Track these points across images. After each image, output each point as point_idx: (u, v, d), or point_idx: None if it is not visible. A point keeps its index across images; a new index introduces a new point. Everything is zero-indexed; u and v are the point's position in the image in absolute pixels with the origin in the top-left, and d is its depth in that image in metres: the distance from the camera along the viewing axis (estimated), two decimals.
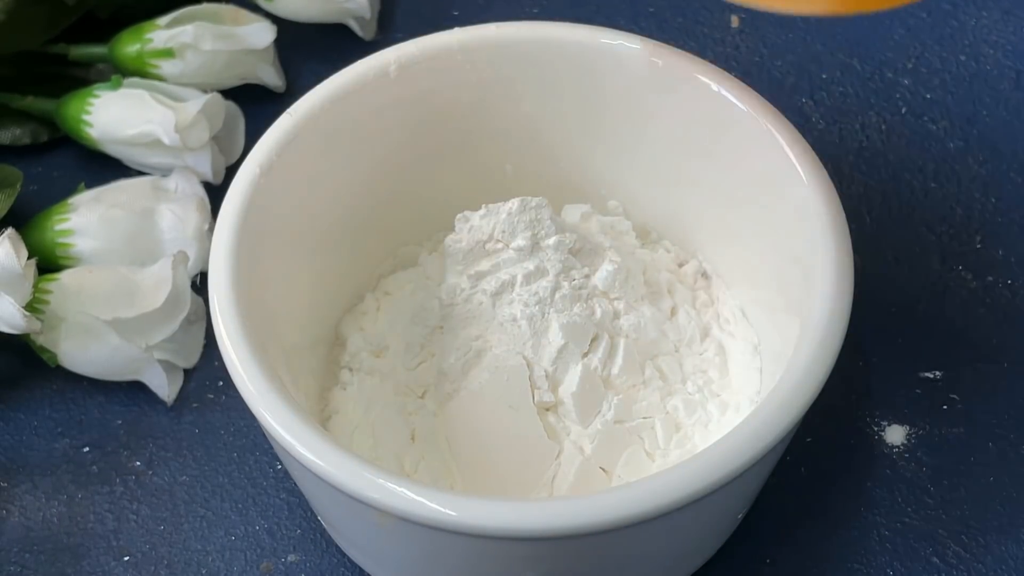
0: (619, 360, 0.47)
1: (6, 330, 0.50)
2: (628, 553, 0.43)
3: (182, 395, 0.53)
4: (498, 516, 0.40)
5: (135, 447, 0.52)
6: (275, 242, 0.47)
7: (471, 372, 0.47)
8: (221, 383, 0.53)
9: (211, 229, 0.50)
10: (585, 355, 0.47)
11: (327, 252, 0.50)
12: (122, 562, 0.49)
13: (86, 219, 0.53)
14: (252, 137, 0.52)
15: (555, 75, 0.50)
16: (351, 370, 0.49)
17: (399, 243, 0.52)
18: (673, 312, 0.49)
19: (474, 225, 0.48)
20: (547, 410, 0.46)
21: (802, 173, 0.46)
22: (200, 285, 0.53)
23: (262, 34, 0.57)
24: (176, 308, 0.51)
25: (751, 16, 0.62)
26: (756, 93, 0.48)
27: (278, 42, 0.58)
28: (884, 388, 0.52)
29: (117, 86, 0.56)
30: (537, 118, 0.51)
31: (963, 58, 0.60)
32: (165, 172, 0.56)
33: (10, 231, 0.50)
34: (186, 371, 0.53)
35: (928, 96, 0.59)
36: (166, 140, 0.54)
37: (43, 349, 0.51)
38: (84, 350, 0.51)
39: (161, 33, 0.57)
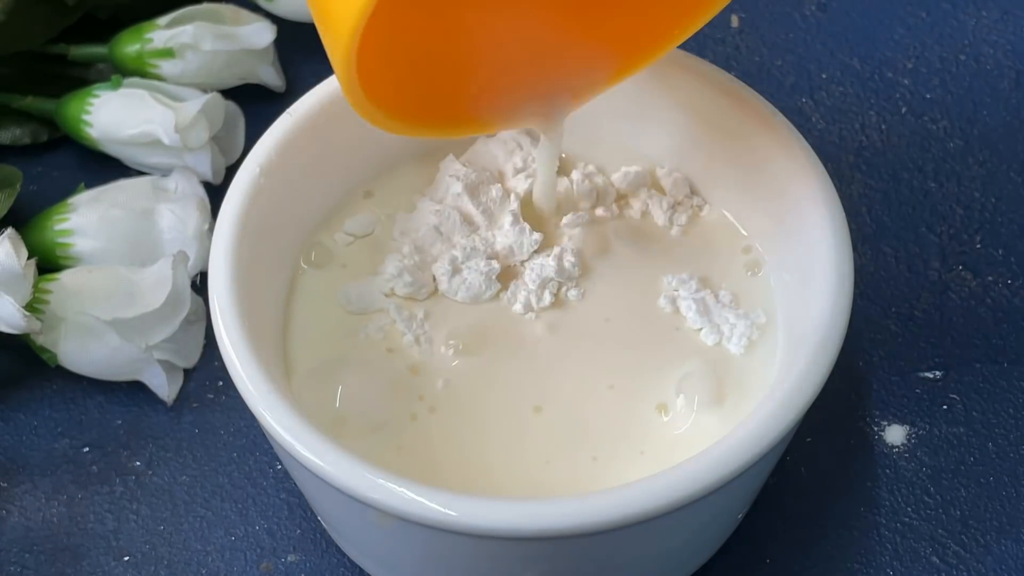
0: None
1: (6, 330, 0.50)
2: (628, 553, 0.43)
3: (182, 395, 0.53)
4: (498, 516, 0.40)
5: (135, 447, 0.52)
6: (275, 242, 0.47)
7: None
8: (221, 383, 0.53)
9: (211, 229, 0.50)
10: None
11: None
12: (122, 562, 0.49)
13: (86, 219, 0.53)
14: (252, 137, 0.52)
15: None
16: None
17: None
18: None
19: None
20: None
21: (802, 173, 0.46)
22: (200, 285, 0.53)
23: (262, 34, 0.57)
24: (176, 308, 0.51)
25: (751, 16, 0.62)
26: (756, 93, 0.48)
27: (278, 42, 0.58)
28: (884, 388, 0.52)
29: (117, 86, 0.56)
30: None
31: (963, 58, 0.60)
32: (165, 172, 0.56)
33: (10, 231, 0.50)
34: (186, 371, 0.53)
35: (928, 96, 0.59)
36: (166, 140, 0.54)
37: (43, 349, 0.51)
38: (84, 350, 0.51)
39: (161, 33, 0.57)
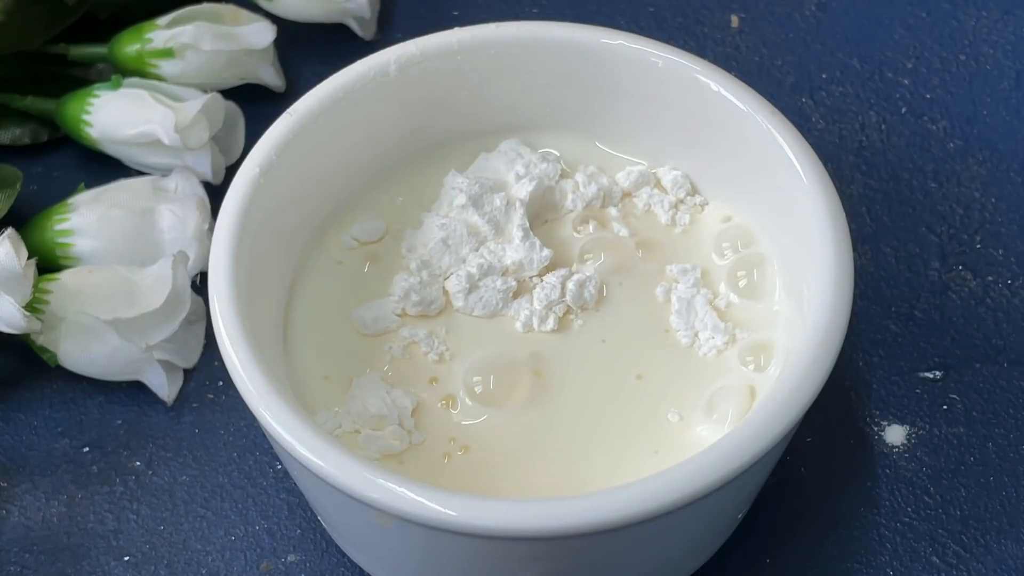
0: None
1: (6, 330, 0.50)
2: (628, 553, 0.43)
3: (182, 395, 0.53)
4: (498, 516, 0.40)
5: (135, 447, 0.52)
6: (275, 242, 0.47)
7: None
8: (221, 383, 0.53)
9: (211, 229, 0.50)
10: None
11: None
12: (122, 562, 0.49)
13: (86, 219, 0.53)
14: (252, 137, 0.52)
15: (555, 75, 0.50)
16: None
17: None
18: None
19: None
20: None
21: (802, 173, 0.46)
22: (200, 285, 0.53)
23: (262, 34, 0.57)
24: (176, 308, 0.51)
25: (751, 16, 0.62)
26: (756, 93, 0.48)
27: (278, 42, 0.58)
28: (884, 388, 0.52)
29: (117, 86, 0.56)
30: (537, 118, 0.51)
31: (963, 58, 0.60)
32: (165, 172, 0.56)
33: (10, 231, 0.50)
34: (186, 371, 0.53)
35: (928, 96, 0.59)
36: (166, 140, 0.54)
37: (43, 349, 0.51)
38: (84, 350, 0.51)
39: (161, 33, 0.57)
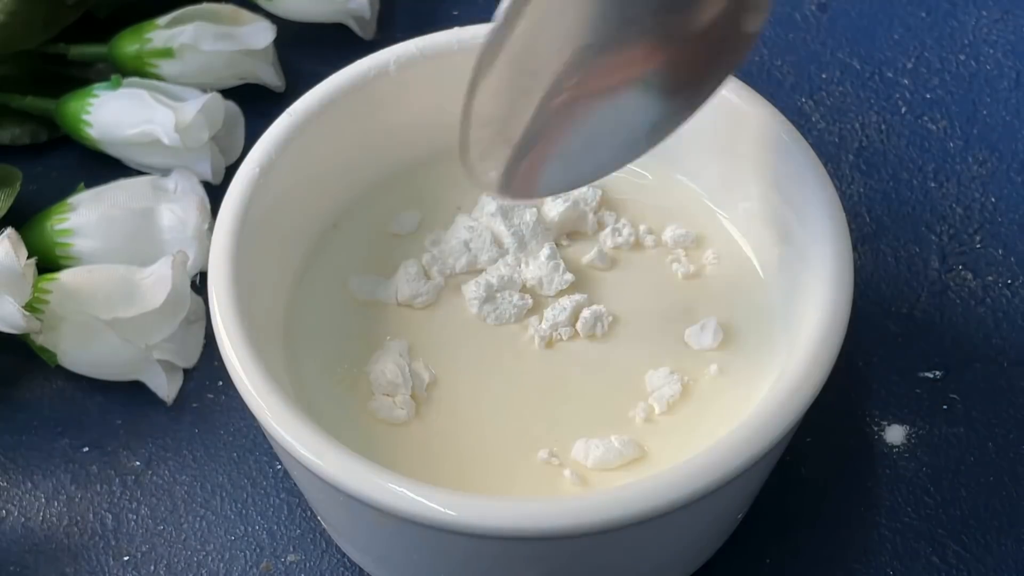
0: None
1: (6, 330, 0.50)
2: (628, 553, 0.43)
3: (182, 395, 0.53)
4: (498, 516, 0.40)
5: (135, 447, 0.52)
6: (275, 242, 0.47)
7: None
8: (221, 383, 0.53)
9: (211, 229, 0.50)
10: None
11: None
12: (122, 562, 0.49)
13: (86, 219, 0.53)
14: (252, 137, 0.52)
15: None
16: None
17: None
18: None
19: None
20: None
21: (802, 173, 0.46)
22: (200, 285, 0.53)
23: (262, 34, 0.57)
24: (176, 308, 0.51)
25: None
26: (756, 93, 0.48)
27: (278, 42, 0.58)
28: (884, 388, 0.52)
29: (117, 86, 0.56)
30: None
31: (963, 58, 0.60)
32: (165, 172, 0.56)
33: (10, 231, 0.50)
34: (186, 371, 0.53)
35: (928, 96, 0.59)
36: (166, 140, 0.54)
37: (43, 349, 0.51)
38: (84, 350, 0.51)
39: (161, 33, 0.57)
